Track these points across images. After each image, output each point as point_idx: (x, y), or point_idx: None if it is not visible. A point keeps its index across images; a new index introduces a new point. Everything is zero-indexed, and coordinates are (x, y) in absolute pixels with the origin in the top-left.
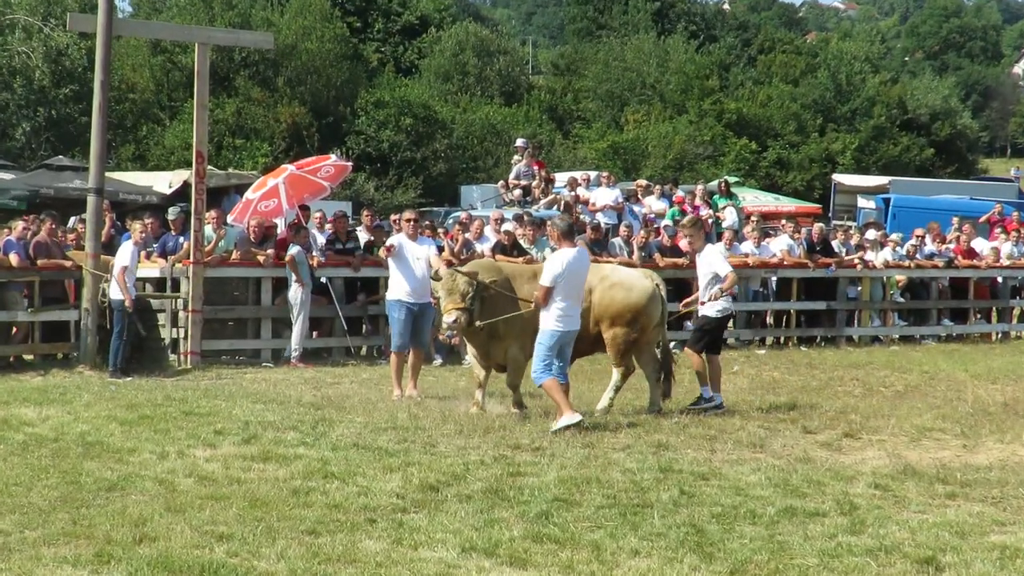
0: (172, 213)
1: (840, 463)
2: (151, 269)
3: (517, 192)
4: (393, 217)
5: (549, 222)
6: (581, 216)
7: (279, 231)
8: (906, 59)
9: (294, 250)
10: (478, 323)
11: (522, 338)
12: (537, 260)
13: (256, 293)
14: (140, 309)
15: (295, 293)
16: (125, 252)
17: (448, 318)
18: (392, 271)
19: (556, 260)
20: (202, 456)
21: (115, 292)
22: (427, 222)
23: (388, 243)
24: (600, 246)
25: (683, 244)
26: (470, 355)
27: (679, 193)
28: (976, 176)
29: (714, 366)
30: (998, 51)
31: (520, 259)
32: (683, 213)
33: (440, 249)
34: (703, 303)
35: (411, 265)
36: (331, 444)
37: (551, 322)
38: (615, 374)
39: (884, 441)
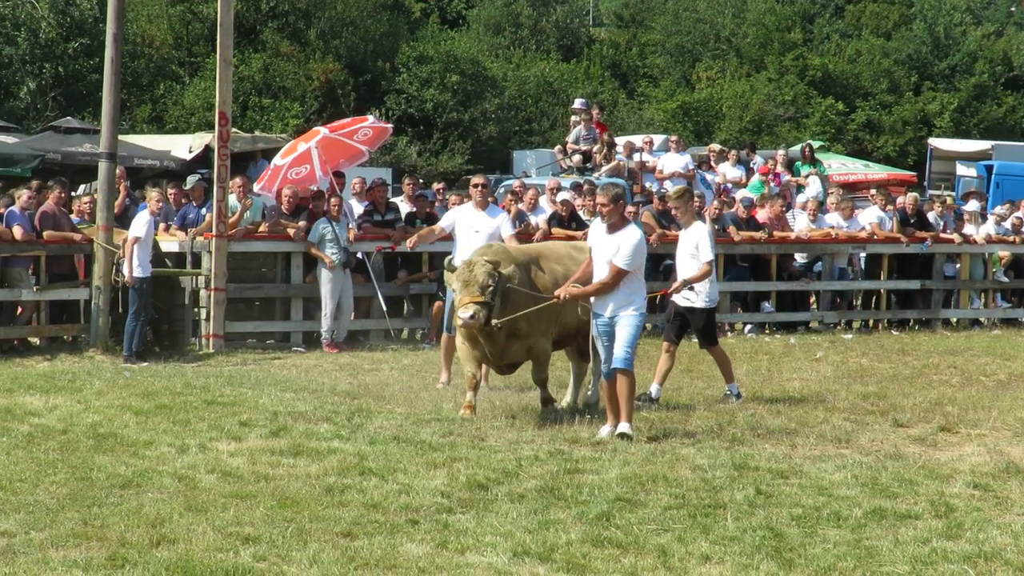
0: (191, 181)
1: (935, 460)
2: (170, 242)
3: (576, 158)
4: (436, 186)
5: (603, 193)
6: (647, 185)
7: None
8: (1012, 8)
9: (316, 232)
10: (495, 322)
11: (548, 328)
12: None
13: (286, 270)
14: (159, 287)
15: (321, 270)
16: (140, 222)
17: (464, 312)
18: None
19: (635, 239)
20: (226, 450)
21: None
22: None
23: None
24: (668, 218)
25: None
26: (461, 351)
27: (759, 160)
28: None
29: (720, 357)
30: None
31: (580, 233)
32: (764, 185)
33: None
34: (670, 292)
35: (466, 238)
36: (369, 437)
37: (644, 305)
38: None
39: (984, 436)
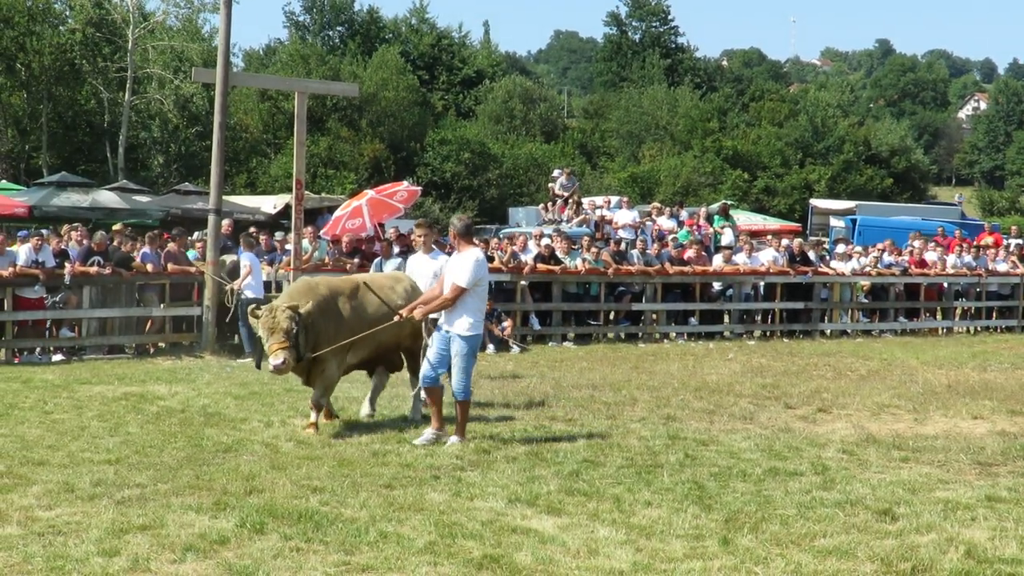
0: (279, 236)
1: (814, 433)
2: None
3: (558, 204)
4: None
5: (450, 222)
6: (606, 232)
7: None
8: (871, 106)
9: (377, 268)
10: (309, 355)
11: (340, 356)
12: (569, 269)
13: None
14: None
15: None
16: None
17: (275, 360)
18: None
19: (471, 260)
20: (300, 424)
21: (248, 292)
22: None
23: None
24: (621, 256)
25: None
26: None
27: (685, 215)
28: (926, 201)
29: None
30: (945, 99)
31: (557, 268)
32: (690, 233)
33: (490, 259)
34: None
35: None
36: (403, 415)
37: (476, 327)
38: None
39: (850, 415)
